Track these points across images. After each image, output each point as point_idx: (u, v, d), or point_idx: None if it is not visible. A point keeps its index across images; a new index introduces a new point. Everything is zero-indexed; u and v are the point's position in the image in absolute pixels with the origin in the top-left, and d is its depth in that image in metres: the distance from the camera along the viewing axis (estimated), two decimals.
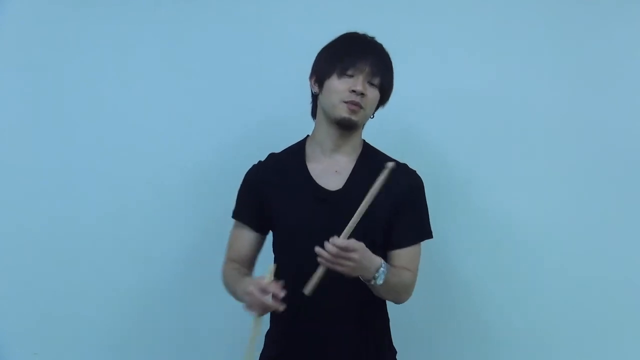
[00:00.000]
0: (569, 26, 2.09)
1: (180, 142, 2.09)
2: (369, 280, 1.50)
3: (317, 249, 1.44)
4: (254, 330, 1.51)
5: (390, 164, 1.45)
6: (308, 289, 1.44)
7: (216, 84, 2.10)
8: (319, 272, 1.45)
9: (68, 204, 2.07)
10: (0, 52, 2.07)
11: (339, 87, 1.60)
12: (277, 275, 1.50)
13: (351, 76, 1.60)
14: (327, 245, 1.43)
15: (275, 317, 1.70)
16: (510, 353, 2.09)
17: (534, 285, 2.07)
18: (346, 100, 1.59)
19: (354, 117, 1.61)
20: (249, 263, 1.73)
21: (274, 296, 1.46)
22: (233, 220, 1.75)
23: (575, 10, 2.08)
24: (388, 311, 1.72)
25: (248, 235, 1.71)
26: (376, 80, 1.62)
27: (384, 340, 1.68)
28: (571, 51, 2.08)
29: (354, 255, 1.44)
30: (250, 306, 1.50)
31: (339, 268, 1.44)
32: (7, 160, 2.06)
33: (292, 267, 1.63)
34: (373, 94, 1.63)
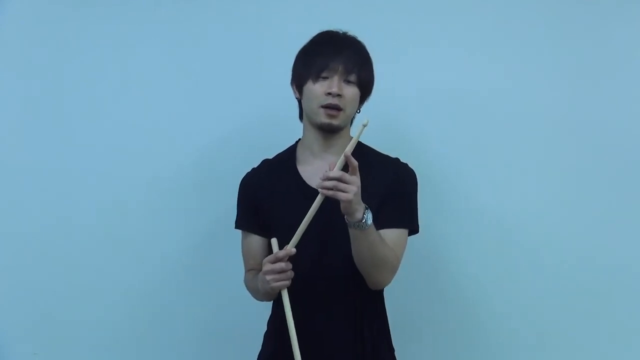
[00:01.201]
0: (569, 26, 2.09)
1: (180, 142, 2.09)
2: (359, 220, 1.46)
3: (318, 183, 1.45)
4: (287, 305, 1.53)
5: (365, 121, 1.45)
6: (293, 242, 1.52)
7: (216, 84, 2.10)
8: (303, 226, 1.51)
9: (68, 204, 2.07)
10: (0, 52, 2.08)
11: (315, 91, 1.60)
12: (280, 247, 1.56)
13: (326, 78, 1.59)
14: (329, 172, 1.44)
15: (273, 316, 1.70)
16: (509, 351, 2.09)
17: (534, 284, 2.07)
18: (323, 104, 1.59)
19: (334, 122, 1.61)
20: None
21: (284, 259, 1.52)
22: (235, 226, 1.75)
23: (575, 10, 2.08)
24: (387, 309, 1.71)
25: (256, 242, 1.71)
26: (352, 77, 1.61)
27: (383, 339, 1.68)
28: (571, 51, 2.08)
29: (357, 179, 1.44)
30: (275, 281, 1.52)
31: (341, 195, 1.43)
32: (7, 160, 2.06)
33: None
34: (351, 91, 1.61)
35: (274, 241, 1.56)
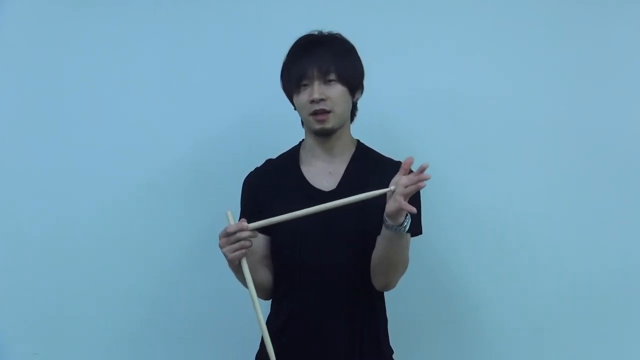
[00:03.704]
0: (569, 26, 2.09)
1: (180, 142, 2.09)
2: (401, 224, 1.46)
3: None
4: (248, 276, 1.48)
5: (392, 188, 1.43)
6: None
7: (216, 84, 2.10)
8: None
9: (68, 203, 2.07)
10: (0, 52, 2.08)
11: (301, 101, 1.60)
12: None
13: (307, 85, 1.59)
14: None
15: (271, 317, 1.70)
16: (509, 351, 2.09)
17: (533, 285, 2.07)
18: (311, 112, 1.59)
19: (326, 126, 1.60)
20: (264, 263, 1.71)
21: (243, 230, 1.47)
22: None
23: (575, 10, 2.08)
24: (387, 310, 1.72)
25: (258, 239, 1.70)
26: (332, 76, 1.59)
27: (381, 340, 1.68)
28: (571, 51, 2.08)
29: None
30: (230, 252, 1.48)
31: (412, 188, 1.41)
32: (6, 160, 2.06)
33: (288, 268, 1.63)
34: (334, 90, 1.59)
35: (229, 213, 1.52)
